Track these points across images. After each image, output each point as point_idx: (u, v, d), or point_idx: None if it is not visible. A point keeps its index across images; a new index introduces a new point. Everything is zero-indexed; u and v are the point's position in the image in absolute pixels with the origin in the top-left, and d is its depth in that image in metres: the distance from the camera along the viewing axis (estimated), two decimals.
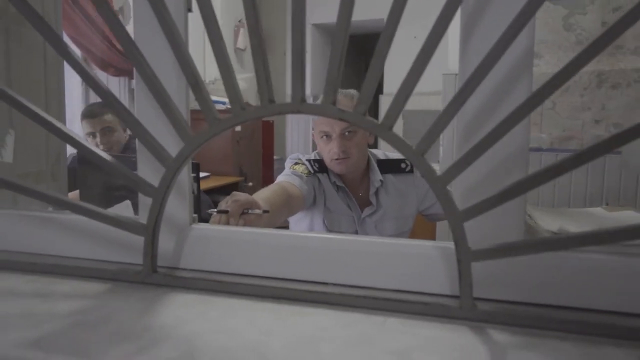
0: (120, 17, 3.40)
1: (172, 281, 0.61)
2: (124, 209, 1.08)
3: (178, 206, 0.66)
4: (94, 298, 0.57)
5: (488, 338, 0.48)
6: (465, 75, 0.55)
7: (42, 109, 0.61)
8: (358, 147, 1.39)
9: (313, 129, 1.45)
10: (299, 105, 0.54)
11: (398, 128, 4.52)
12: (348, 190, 1.44)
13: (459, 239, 0.51)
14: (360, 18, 4.03)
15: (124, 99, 3.28)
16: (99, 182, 1.33)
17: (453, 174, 0.51)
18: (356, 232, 1.44)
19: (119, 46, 3.09)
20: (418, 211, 1.54)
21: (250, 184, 3.72)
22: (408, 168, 1.50)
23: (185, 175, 0.66)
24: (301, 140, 5.33)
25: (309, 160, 1.44)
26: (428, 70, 0.51)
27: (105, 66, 3.12)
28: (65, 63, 0.61)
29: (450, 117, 0.51)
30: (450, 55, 2.77)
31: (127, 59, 3.29)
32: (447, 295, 0.56)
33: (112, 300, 0.56)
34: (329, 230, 1.42)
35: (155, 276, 0.62)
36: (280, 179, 1.37)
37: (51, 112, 1.00)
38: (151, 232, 0.61)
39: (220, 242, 0.65)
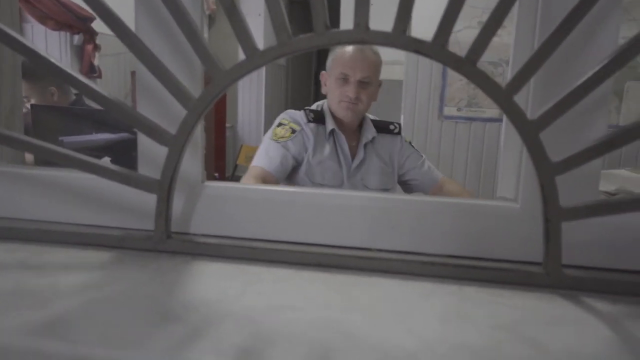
0: None
1: (193, 247, 0.51)
2: None
3: (189, 160, 0.55)
4: (101, 269, 0.46)
5: (591, 308, 0.41)
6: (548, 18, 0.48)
7: None
8: (368, 98, 1.41)
9: (328, 69, 1.44)
10: (364, 32, 0.44)
11: None
12: (344, 137, 1.44)
13: (550, 194, 0.45)
14: None
15: (66, 57, 3.00)
16: (56, 140, 1.16)
17: (548, 119, 0.44)
18: (341, 186, 1.43)
19: None
20: (398, 175, 1.52)
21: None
22: (396, 130, 1.52)
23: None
24: (253, 108, 5.16)
25: (305, 110, 1.43)
26: None
27: (43, 19, 2.81)
28: None
29: (546, 55, 0.43)
30: (414, 21, 2.71)
31: (68, 10, 2.99)
32: (522, 262, 0.49)
33: (125, 271, 0.46)
34: (312, 182, 1.38)
35: (171, 242, 0.51)
36: (257, 160, 1.36)
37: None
38: (166, 188, 0.50)
39: (239, 203, 0.55)
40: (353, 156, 1.47)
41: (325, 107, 1.46)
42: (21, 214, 0.58)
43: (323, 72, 1.47)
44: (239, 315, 0.37)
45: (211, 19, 4.65)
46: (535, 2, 0.49)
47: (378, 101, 1.49)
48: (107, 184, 0.53)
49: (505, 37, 2.55)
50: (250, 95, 5.03)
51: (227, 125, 4.34)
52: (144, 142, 0.55)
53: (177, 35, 0.52)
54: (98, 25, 3.27)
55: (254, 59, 0.46)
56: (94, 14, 0.48)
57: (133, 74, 4.27)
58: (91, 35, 3.25)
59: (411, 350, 0.33)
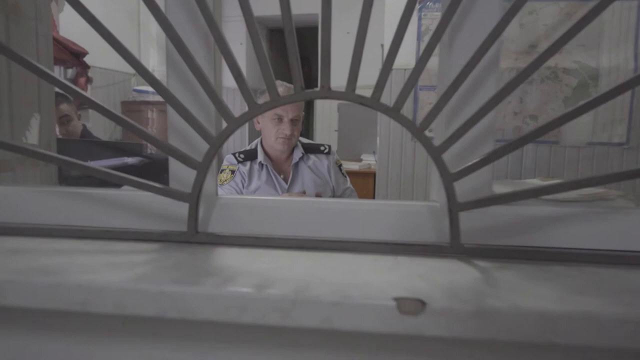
0: (54, 2, 3.28)
1: (215, 239, 0.73)
2: None
3: (207, 179, 0.78)
4: (154, 252, 0.68)
5: (475, 265, 0.65)
6: (451, 67, 0.72)
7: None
8: (298, 132, 1.78)
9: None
10: (327, 92, 0.68)
11: (334, 119, 4.72)
12: (273, 168, 1.78)
13: (451, 194, 0.68)
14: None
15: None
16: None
17: (447, 145, 0.68)
18: None
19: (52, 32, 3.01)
20: (335, 194, 1.85)
21: None
22: (326, 150, 1.87)
23: None
24: (237, 135, 5.40)
25: (234, 154, 1.79)
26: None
27: None
28: None
29: (447, 99, 0.67)
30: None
31: (64, 47, 3.21)
32: (441, 243, 0.72)
33: (171, 253, 0.68)
34: None
35: (199, 236, 0.73)
36: None
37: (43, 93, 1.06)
38: (195, 198, 0.73)
39: (243, 210, 0.77)
40: (287, 180, 1.79)
41: (259, 144, 1.81)
42: (87, 223, 0.79)
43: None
44: (252, 272, 0.59)
45: None
46: (448, 63, 0.74)
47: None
48: (143, 198, 0.75)
49: None
50: None
51: None
52: (174, 166, 0.77)
53: (199, 91, 0.75)
54: (90, 58, 3.49)
55: (253, 110, 0.69)
56: (134, 70, 0.70)
57: (123, 104, 4.47)
58: (84, 68, 3.46)
59: (356, 284, 0.56)
